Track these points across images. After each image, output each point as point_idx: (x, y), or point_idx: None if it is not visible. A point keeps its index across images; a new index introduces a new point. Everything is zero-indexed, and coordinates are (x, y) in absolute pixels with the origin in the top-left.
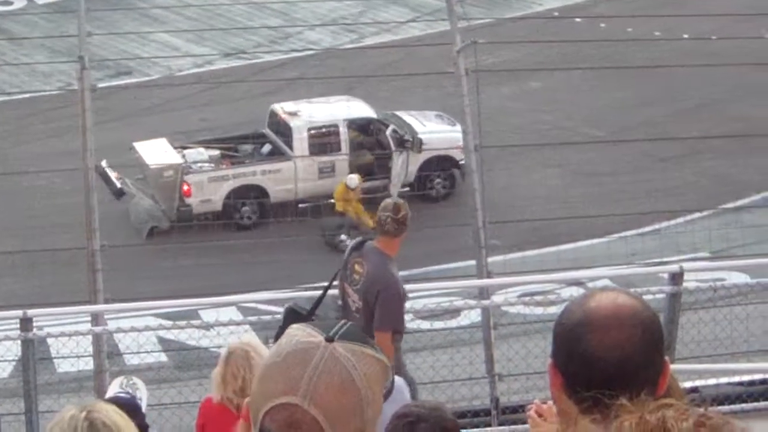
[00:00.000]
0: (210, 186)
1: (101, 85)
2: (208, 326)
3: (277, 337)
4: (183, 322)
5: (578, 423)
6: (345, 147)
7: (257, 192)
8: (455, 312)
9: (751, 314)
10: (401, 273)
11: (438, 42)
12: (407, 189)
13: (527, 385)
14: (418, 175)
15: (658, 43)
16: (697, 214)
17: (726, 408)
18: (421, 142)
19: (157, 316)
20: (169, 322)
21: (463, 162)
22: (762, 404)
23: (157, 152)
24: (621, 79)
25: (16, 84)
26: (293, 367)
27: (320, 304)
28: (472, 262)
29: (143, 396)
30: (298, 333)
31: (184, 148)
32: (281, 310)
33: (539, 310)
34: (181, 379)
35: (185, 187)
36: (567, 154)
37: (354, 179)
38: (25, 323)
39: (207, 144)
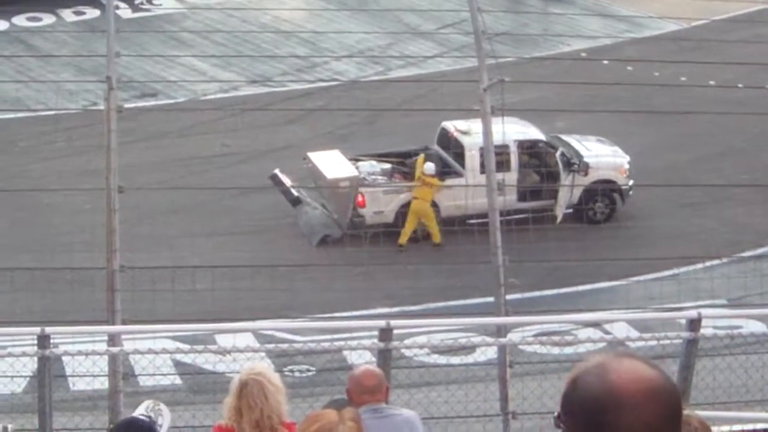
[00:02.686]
0: (384, 198)
1: (127, 105)
2: (224, 351)
3: None
4: (200, 347)
5: None
6: (515, 166)
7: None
8: (472, 348)
9: (767, 363)
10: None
11: (464, 79)
12: (570, 211)
13: (541, 425)
14: (581, 198)
15: (684, 89)
16: (716, 261)
17: None
18: (587, 165)
19: (174, 338)
20: (187, 346)
21: (625, 186)
22: None
23: (332, 163)
24: (646, 123)
25: (42, 100)
26: None
27: None
28: (491, 299)
29: (165, 422)
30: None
31: (357, 160)
32: (298, 338)
33: (556, 350)
34: (195, 402)
35: (360, 198)
36: None
37: (431, 167)
38: (43, 340)
39: (378, 157)
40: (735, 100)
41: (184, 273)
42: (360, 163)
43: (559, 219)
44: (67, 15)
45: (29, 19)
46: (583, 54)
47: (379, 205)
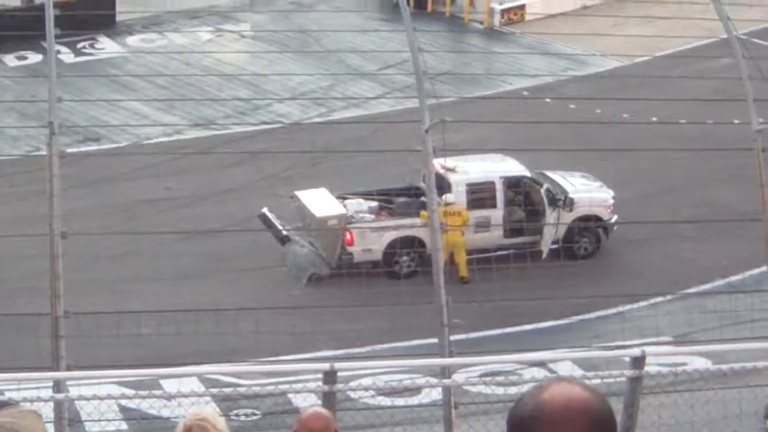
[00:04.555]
0: (371, 236)
1: (69, 150)
2: (169, 396)
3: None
4: (145, 392)
5: None
6: (500, 203)
7: (415, 243)
8: (417, 390)
9: (711, 399)
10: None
11: (406, 120)
12: (556, 246)
13: None
14: (567, 233)
15: (626, 126)
16: (660, 298)
17: None
18: (572, 201)
19: (120, 384)
20: (132, 391)
21: (609, 221)
22: None
23: (319, 201)
24: (589, 161)
25: None
26: None
27: None
28: (434, 340)
29: None
30: None
31: (344, 198)
32: (243, 382)
33: (500, 390)
34: None
35: (348, 236)
36: None
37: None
38: None
39: (365, 196)
40: (678, 135)
41: (128, 318)
42: (347, 201)
43: (545, 255)
44: (9, 60)
45: None
46: (525, 92)
47: (367, 242)
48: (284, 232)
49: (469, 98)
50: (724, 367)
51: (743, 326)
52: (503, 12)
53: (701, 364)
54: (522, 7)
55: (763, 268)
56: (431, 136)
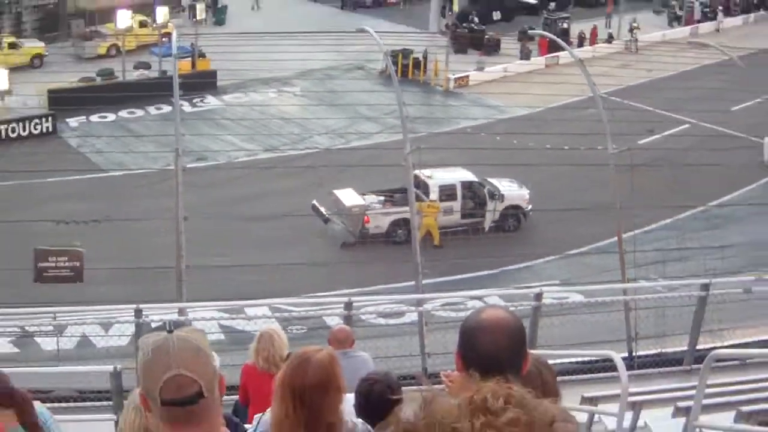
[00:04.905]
0: (380, 218)
1: (188, 165)
2: (250, 318)
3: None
4: (234, 315)
5: (467, 387)
6: (459, 197)
7: (407, 223)
8: (402, 314)
9: (585, 320)
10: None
11: (395, 147)
12: (493, 224)
13: (446, 361)
14: (500, 216)
15: (532, 151)
16: (553, 257)
17: (568, 377)
18: (503, 196)
19: (219, 310)
20: (227, 315)
21: (527, 209)
22: (598, 375)
23: (348, 196)
24: (512, 172)
25: (137, 163)
26: (159, 355)
27: None
28: (413, 283)
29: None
30: (150, 337)
31: (363, 194)
32: (295, 309)
33: (454, 314)
34: (233, 351)
35: (366, 218)
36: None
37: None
38: (138, 313)
39: (377, 192)
40: (563, 156)
41: (225, 270)
42: (365, 196)
43: (486, 230)
44: (151, 110)
45: (129, 112)
46: (469, 129)
47: (378, 222)
48: (326, 215)
49: (435, 133)
50: (592, 299)
51: (605, 275)
52: (455, 79)
53: (578, 297)
54: (467, 76)
55: (614, 239)
56: (411, 157)
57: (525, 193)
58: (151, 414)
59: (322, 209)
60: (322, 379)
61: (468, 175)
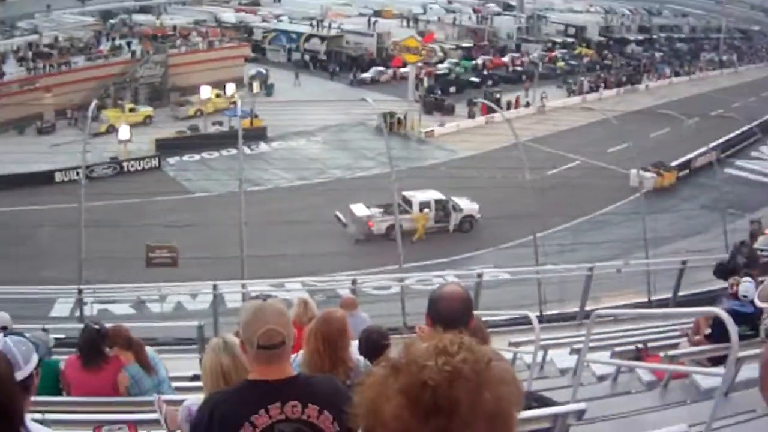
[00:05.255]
0: (380, 223)
1: (247, 189)
2: (288, 290)
3: None
4: (276, 289)
5: (434, 337)
6: (432, 209)
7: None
8: (389, 287)
9: (512, 290)
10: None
11: (385, 177)
12: (455, 227)
13: (419, 319)
14: (459, 222)
15: (479, 179)
16: (491, 248)
17: (500, 329)
18: (461, 208)
19: (266, 284)
20: (271, 288)
21: (477, 218)
22: (519, 327)
23: (358, 209)
24: (467, 192)
25: (213, 188)
26: (257, 315)
27: None
28: (397, 266)
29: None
30: (251, 302)
31: (368, 207)
32: (319, 284)
33: (425, 287)
34: None
35: (370, 223)
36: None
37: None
38: (215, 287)
39: (377, 206)
40: (498, 183)
41: (275, 258)
42: (371, 209)
43: (450, 231)
44: (224, 152)
45: (208, 154)
46: (434, 165)
47: (378, 225)
48: (344, 221)
49: (412, 168)
50: (513, 277)
51: (524, 260)
52: (425, 132)
53: (505, 276)
54: (433, 130)
55: (531, 237)
56: (395, 184)
57: (475, 206)
58: (247, 355)
59: (341, 217)
60: (340, 328)
61: (438, 195)
